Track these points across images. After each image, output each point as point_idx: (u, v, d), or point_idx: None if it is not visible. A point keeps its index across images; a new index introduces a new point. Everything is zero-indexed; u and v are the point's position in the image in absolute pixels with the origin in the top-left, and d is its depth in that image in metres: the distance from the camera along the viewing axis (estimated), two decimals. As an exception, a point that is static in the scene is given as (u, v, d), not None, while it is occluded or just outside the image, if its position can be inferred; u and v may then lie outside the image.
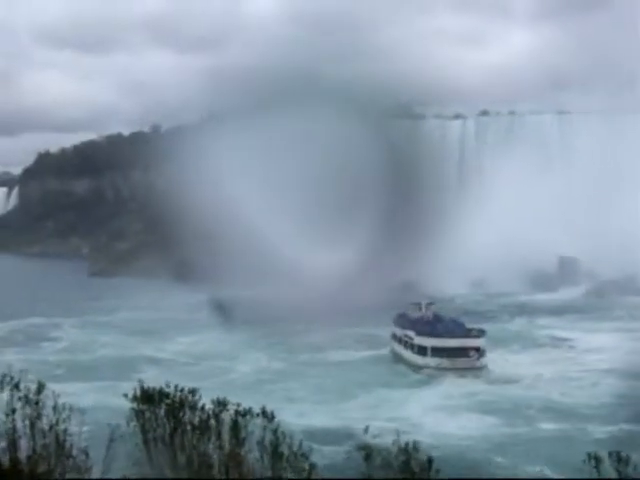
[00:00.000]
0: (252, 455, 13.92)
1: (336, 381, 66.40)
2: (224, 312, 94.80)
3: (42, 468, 14.31)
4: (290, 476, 13.60)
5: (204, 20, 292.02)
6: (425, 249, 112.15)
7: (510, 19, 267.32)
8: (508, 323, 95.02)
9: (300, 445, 13.63)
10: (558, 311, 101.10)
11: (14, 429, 14.18)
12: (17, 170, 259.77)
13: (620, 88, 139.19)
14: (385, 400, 60.73)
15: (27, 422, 14.22)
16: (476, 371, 66.53)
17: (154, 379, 15.61)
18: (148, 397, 14.23)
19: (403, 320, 76.57)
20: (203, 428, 14.22)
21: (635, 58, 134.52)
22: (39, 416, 14.16)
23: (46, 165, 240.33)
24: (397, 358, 74.48)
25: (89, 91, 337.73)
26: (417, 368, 69.02)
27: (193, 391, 14.38)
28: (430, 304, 77.91)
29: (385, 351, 78.16)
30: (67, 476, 14.42)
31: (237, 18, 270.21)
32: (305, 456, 13.61)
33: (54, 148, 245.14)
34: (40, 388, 13.95)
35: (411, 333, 72.29)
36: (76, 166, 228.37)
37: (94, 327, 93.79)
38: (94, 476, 14.55)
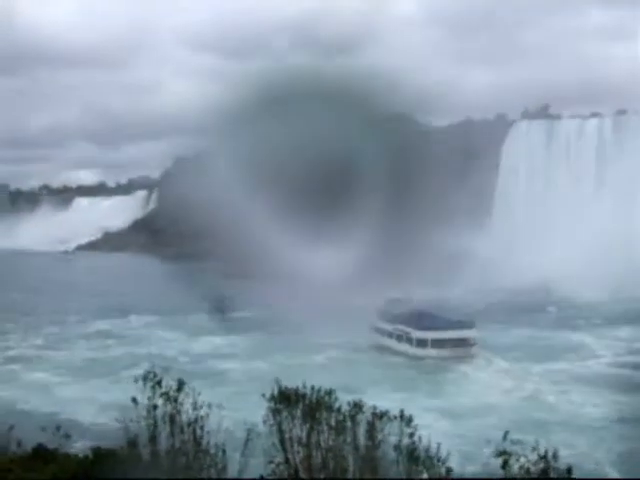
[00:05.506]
0: (388, 458, 13.87)
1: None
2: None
3: (180, 463, 14.66)
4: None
5: (346, 22, 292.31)
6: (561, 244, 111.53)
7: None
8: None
9: (438, 449, 13.50)
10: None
11: (155, 425, 14.56)
12: (157, 174, 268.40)
13: None
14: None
15: (167, 418, 14.56)
16: (471, 358, 72.44)
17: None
18: (285, 397, 14.37)
19: (389, 315, 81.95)
20: (339, 429, 14.26)
21: None
22: (179, 413, 14.48)
23: (183, 168, 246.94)
24: (389, 351, 78.73)
25: (228, 95, 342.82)
26: (418, 359, 74.29)
27: (330, 392, 14.44)
28: (409, 300, 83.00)
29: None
30: (203, 473, 14.73)
31: (378, 20, 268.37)
32: (442, 460, 13.47)
33: (191, 152, 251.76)
34: (180, 385, 14.29)
35: (406, 328, 77.99)
36: (209, 169, 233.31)
37: (169, 326, 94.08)
38: (230, 474, 14.79)
